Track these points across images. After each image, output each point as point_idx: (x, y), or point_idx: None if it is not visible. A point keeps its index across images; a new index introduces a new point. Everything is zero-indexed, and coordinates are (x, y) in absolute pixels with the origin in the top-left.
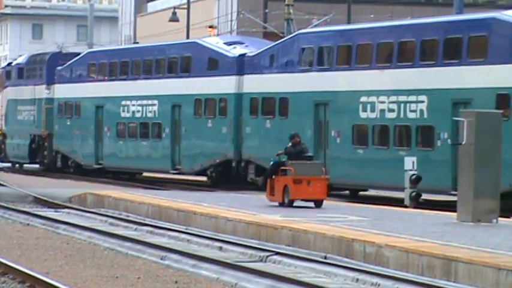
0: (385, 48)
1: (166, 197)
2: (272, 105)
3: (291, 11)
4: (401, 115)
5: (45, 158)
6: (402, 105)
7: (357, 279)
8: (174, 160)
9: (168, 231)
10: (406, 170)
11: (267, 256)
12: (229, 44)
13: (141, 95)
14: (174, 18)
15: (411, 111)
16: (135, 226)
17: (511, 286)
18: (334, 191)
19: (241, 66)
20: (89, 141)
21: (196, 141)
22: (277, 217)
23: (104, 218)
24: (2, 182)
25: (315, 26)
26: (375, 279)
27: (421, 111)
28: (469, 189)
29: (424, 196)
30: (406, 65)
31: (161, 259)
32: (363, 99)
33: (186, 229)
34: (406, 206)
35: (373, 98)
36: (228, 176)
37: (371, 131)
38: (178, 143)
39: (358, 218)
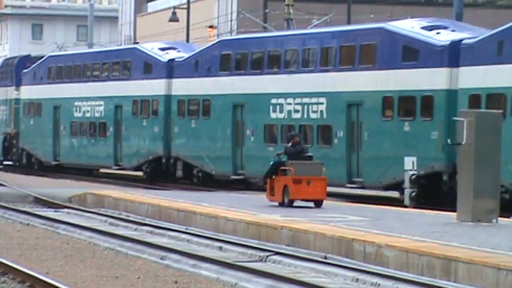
0: (291, 54)
1: (166, 197)
2: (197, 107)
3: (291, 11)
4: (305, 115)
5: (14, 155)
6: (306, 106)
7: (357, 279)
8: (117, 157)
9: (168, 231)
10: (406, 170)
11: (267, 256)
12: (163, 49)
13: (90, 96)
14: (174, 18)
15: (313, 112)
16: (135, 226)
17: (511, 286)
18: (251, 186)
19: (170, 70)
20: (48, 140)
21: (134, 139)
22: (277, 217)
23: (104, 218)
24: (2, 182)
25: (315, 26)
26: (375, 279)
27: (321, 112)
28: (469, 189)
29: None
30: (309, 70)
31: (161, 259)
32: (273, 101)
33: (186, 229)
34: (406, 206)
35: (281, 100)
36: (160, 172)
37: (280, 130)
38: (120, 141)
39: (358, 218)
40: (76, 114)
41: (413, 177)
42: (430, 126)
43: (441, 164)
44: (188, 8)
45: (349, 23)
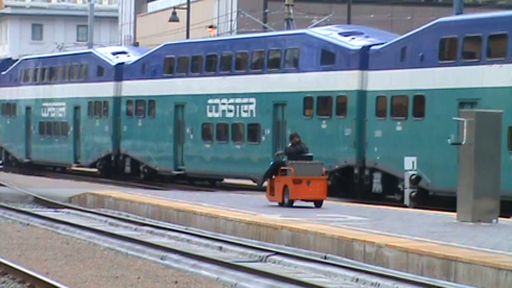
0: (226, 58)
1: (166, 197)
2: (143, 107)
3: (291, 11)
4: (237, 115)
5: None
6: (238, 106)
7: (357, 279)
8: (76, 155)
9: (168, 231)
10: (406, 170)
11: (267, 256)
12: (114, 53)
13: (54, 97)
14: (174, 18)
15: (244, 111)
16: (135, 226)
17: (511, 286)
18: (193, 181)
19: (120, 73)
20: (21, 138)
21: (90, 138)
22: (277, 217)
23: (104, 218)
24: (2, 182)
25: (315, 26)
26: (375, 279)
27: (251, 111)
28: (469, 189)
29: None
30: (241, 72)
31: (161, 259)
32: (210, 101)
33: (186, 229)
34: (406, 206)
35: (217, 100)
36: (111, 168)
37: (215, 129)
38: (79, 140)
39: (358, 218)
40: (43, 115)
41: (413, 177)
42: (343, 124)
43: (353, 159)
44: (188, 8)
45: (349, 23)
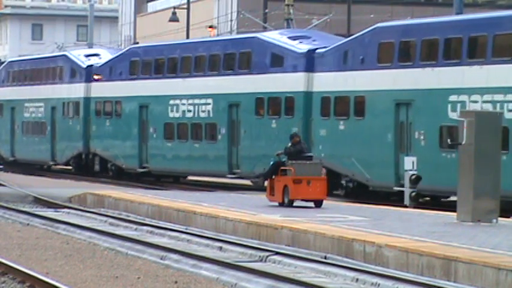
0: (186, 61)
1: (166, 197)
2: (111, 108)
3: (291, 11)
4: (196, 115)
5: None
6: (196, 106)
7: (357, 279)
8: (53, 153)
9: (168, 231)
10: (406, 170)
11: (267, 256)
12: (87, 56)
13: (34, 98)
14: (174, 18)
15: (202, 111)
16: (135, 226)
17: (511, 286)
18: (160, 178)
19: (89, 75)
20: (7, 138)
21: (64, 137)
22: (277, 217)
23: (104, 218)
24: (2, 182)
25: (315, 26)
26: (375, 279)
27: (209, 111)
28: (469, 189)
29: None
30: (199, 75)
31: (161, 259)
32: (171, 102)
33: (186, 229)
34: (406, 206)
35: (178, 101)
36: (82, 166)
37: (176, 128)
38: (55, 139)
39: (358, 218)
40: (26, 115)
41: (413, 177)
42: (291, 123)
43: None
44: (188, 8)
45: (349, 23)
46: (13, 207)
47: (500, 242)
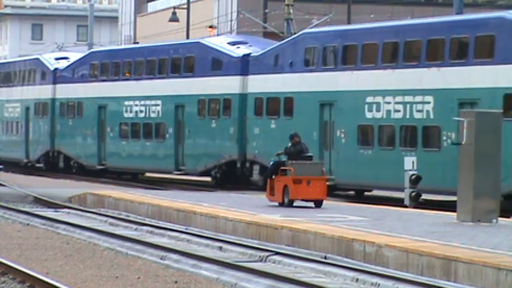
0: (138, 64)
1: (166, 197)
2: (73, 108)
3: (291, 11)
4: (147, 115)
5: None
6: (147, 107)
7: (357, 279)
8: (27, 151)
9: (168, 231)
10: (406, 170)
11: (267, 256)
12: (57, 59)
13: (11, 99)
14: (174, 18)
15: (152, 112)
16: (135, 226)
17: (511, 286)
18: (112, 174)
19: (55, 77)
20: None
21: (35, 136)
22: (277, 217)
23: (104, 218)
24: (2, 182)
25: (315, 26)
26: (375, 279)
27: (158, 112)
28: (469, 189)
29: None
30: (150, 77)
31: (161, 259)
32: (126, 103)
33: (186, 229)
34: (406, 206)
35: (131, 102)
36: (49, 163)
37: (130, 127)
38: (28, 138)
39: (358, 218)
40: (5, 115)
41: (413, 177)
42: (228, 123)
43: (235, 153)
44: (188, 8)
45: (349, 23)
46: (13, 207)
47: (500, 242)
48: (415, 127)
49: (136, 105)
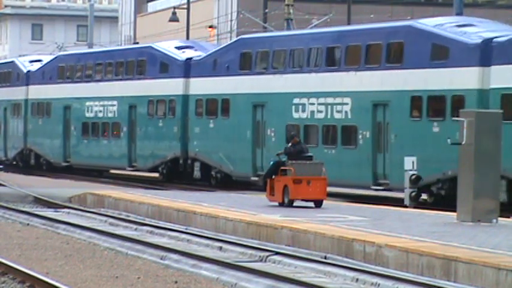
0: (99, 67)
1: (166, 197)
2: (42, 108)
3: (291, 11)
4: (105, 114)
5: None
6: (105, 107)
7: (357, 279)
8: (5, 150)
9: (168, 231)
10: (406, 170)
11: (267, 256)
12: (31, 61)
13: None
14: (174, 18)
15: (110, 112)
16: (135, 226)
17: (511, 286)
18: (78, 171)
19: (28, 78)
20: None
21: (11, 135)
22: (277, 217)
23: (104, 218)
24: (2, 182)
25: (315, 26)
26: (375, 279)
27: (114, 111)
28: (469, 189)
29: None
30: (107, 79)
31: (161, 259)
32: (87, 103)
33: (186, 229)
34: (406, 206)
35: (91, 103)
36: (22, 161)
37: (91, 126)
38: (6, 138)
39: (358, 218)
40: None
41: (413, 177)
42: (173, 123)
43: (178, 152)
44: (188, 8)
45: (349, 23)
46: (13, 207)
47: (500, 242)
48: (335, 126)
49: (96, 105)
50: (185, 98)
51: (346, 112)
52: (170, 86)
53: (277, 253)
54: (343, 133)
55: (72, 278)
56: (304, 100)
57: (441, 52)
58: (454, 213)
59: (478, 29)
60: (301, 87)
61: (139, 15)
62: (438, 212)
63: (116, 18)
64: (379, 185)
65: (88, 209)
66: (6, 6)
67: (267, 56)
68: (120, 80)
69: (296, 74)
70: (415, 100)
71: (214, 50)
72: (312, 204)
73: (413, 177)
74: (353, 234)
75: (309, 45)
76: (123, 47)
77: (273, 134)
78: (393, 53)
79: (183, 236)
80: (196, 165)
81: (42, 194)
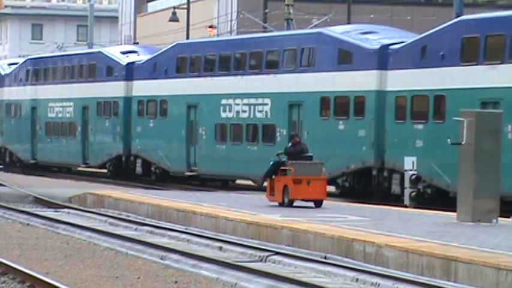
0: (59, 70)
1: (166, 197)
2: (14, 108)
3: (291, 11)
4: (64, 115)
5: None
6: (63, 108)
7: (357, 279)
8: None
9: (168, 231)
10: (406, 170)
11: (267, 256)
12: (10, 64)
13: None
14: (174, 18)
15: (67, 112)
16: (135, 226)
17: (511, 286)
18: (42, 168)
19: (3, 81)
20: None
21: None
22: (277, 217)
23: (104, 218)
24: (2, 182)
25: (315, 26)
26: (375, 279)
27: (70, 112)
28: (469, 189)
29: None
30: (65, 82)
31: (161, 259)
32: (50, 104)
33: (186, 229)
34: (406, 206)
35: (53, 104)
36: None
37: (52, 126)
38: None
39: (358, 218)
40: None
41: (413, 177)
42: (117, 122)
43: (121, 149)
44: (188, 8)
45: (349, 23)
46: (13, 207)
47: (500, 242)
48: (257, 125)
49: (57, 106)
50: (127, 99)
51: (266, 112)
52: (114, 88)
53: (277, 253)
54: (264, 131)
55: (72, 278)
56: (231, 101)
57: (346, 57)
58: (454, 213)
59: (379, 36)
60: (228, 89)
61: (139, 15)
62: (438, 212)
63: (116, 18)
64: None
65: (88, 209)
66: (6, 6)
67: (200, 61)
68: (76, 82)
69: (224, 77)
70: (324, 100)
71: (154, 54)
72: (312, 204)
73: (413, 177)
74: (353, 234)
75: (234, 50)
76: (78, 51)
77: (204, 133)
78: (306, 58)
79: (183, 236)
80: (138, 162)
81: (42, 194)
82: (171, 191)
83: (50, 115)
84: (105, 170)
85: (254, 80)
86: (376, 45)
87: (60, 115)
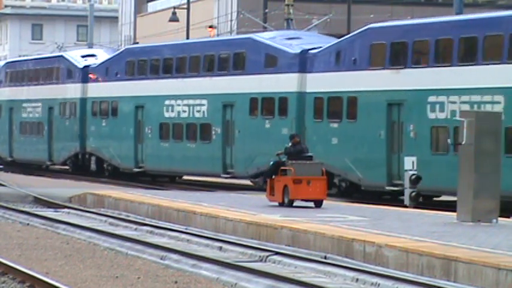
0: (33, 73)
1: (166, 197)
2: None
3: (291, 11)
4: (33, 115)
5: None
6: (34, 108)
7: (357, 279)
8: None
9: (168, 231)
10: (406, 170)
11: (267, 256)
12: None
13: None
14: (174, 18)
15: (36, 112)
16: (135, 226)
17: (511, 286)
18: (18, 166)
19: None
20: None
21: None
22: (277, 217)
23: (104, 218)
24: (2, 182)
25: (315, 26)
26: (375, 279)
27: (38, 112)
28: (469, 189)
29: None
30: (33, 84)
31: (161, 259)
32: (24, 104)
33: (186, 229)
34: (406, 206)
35: (27, 104)
36: None
37: (26, 125)
38: None
39: (358, 218)
40: None
41: (413, 177)
42: (74, 122)
43: (78, 147)
44: (188, 8)
45: (349, 23)
46: (13, 207)
47: (500, 242)
48: (195, 124)
49: (29, 106)
50: (83, 100)
51: (203, 112)
52: (73, 90)
53: (277, 253)
54: (201, 130)
55: (72, 278)
56: (173, 102)
57: (272, 60)
58: (454, 213)
59: (302, 41)
60: (171, 91)
61: (139, 15)
62: (438, 212)
63: (116, 18)
64: (228, 173)
65: (88, 209)
66: (6, 6)
67: (146, 64)
68: (44, 84)
69: (167, 79)
70: (253, 101)
71: (107, 58)
72: (312, 204)
73: (413, 177)
74: (353, 234)
75: (176, 54)
76: (44, 55)
77: (150, 132)
78: (238, 61)
79: (183, 236)
80: (92, 159)
81: (42, 194)
82: (171, 191)
83: (23, 115)
84: (67, 167)
85: (193, 82)
86: (297, 50)
87: (31, 115)
